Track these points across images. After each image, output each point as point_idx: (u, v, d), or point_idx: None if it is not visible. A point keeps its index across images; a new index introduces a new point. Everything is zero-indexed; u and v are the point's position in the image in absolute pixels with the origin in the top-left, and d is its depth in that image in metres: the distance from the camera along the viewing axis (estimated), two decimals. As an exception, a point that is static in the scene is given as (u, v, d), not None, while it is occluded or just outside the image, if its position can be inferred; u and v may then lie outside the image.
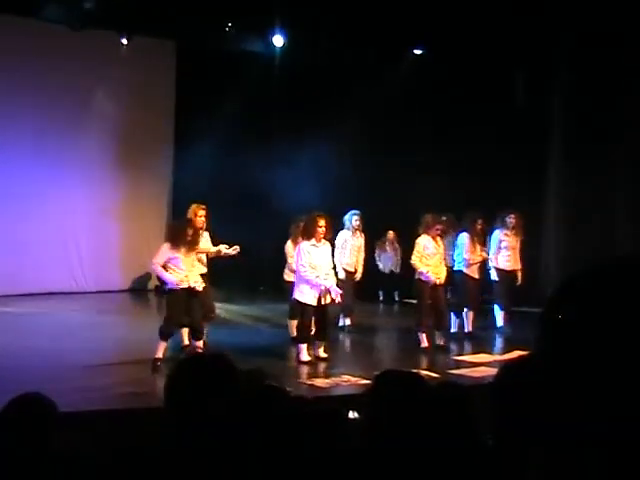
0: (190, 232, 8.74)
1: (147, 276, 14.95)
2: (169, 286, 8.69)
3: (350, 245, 11.15)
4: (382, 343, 11.23)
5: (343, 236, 11.16)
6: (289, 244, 10.53)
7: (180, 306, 8.65)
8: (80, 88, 14.27)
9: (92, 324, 11.32)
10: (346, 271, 11.16)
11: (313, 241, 9.09)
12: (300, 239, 9.49)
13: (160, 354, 8.62)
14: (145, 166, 15.16)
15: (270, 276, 13.19)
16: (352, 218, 11.17)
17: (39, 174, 13.85)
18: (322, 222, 9.09)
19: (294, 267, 10.02)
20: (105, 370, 8.63)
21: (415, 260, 9.88)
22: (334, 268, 9.55)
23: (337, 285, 9.38)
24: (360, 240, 11.31)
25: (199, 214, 9.51)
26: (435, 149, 13.79)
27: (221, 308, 12.65)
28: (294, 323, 10.32)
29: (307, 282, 9.07)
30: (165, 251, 8.71)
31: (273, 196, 14.35)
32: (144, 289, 14.86)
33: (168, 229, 9.34)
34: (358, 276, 11.36)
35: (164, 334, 8.67)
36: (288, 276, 10.47)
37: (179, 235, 8.74)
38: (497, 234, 11.16)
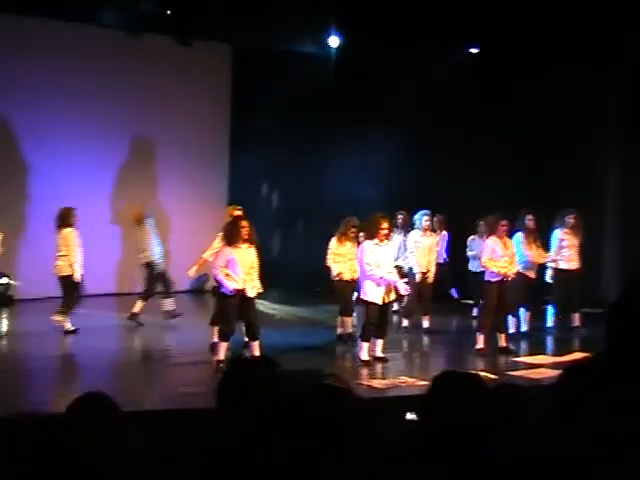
0: (244, 227, 8.80)
1: (205, 277, 15.10)
2: (223, 290, 8.79)
3: (422, 246, 11.15)
4: (441, 344, 11.15)
5: (414, 236, 11.18)
6: (333, 241, 10.52)
7: (235, 309, 8.78)
8: (134, 93, 14.46)
9: (152, 325, 11.47)
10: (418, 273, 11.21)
11: (376, 240, 9.12)
12: (347, 241, 9.53)
13: (221, 355, 8.76)
14: (201, 170, 15.29)
15: (326, 277, 13.19)
16: (422, 218, 11.19)
17: (99, 178, 14.10)
18: (385, 224, 9.17)
19: (329, 263, 10.27)
20: (166, 370, 8.76)
21: (486, 262, 9.84)
22: (401, 269, 9.55)
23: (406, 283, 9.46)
24: (430, 240, 11.30)
25: (233, 215, 9.70)
26: (492, 149, 13.63)
27: (277, 309, 12.75)
28: (342, 321, 10.38)
29: (373, 280, 9.09)
30: (224, 252, 8.82)
31: (328, 197, 14.36)
32: (202, 290, 14.99)
33: (223, 229, 9.45)
34: (430, 277, 11.33)
35: (224, 335, 8.80)
36: (332, 276, 10.47)
37: (234, 232, 8.84)
38: (557, 233, 11.07)
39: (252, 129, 14.86)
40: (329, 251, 10.50)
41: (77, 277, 10.45)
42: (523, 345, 10.39)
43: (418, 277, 11.19)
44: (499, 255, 9.82)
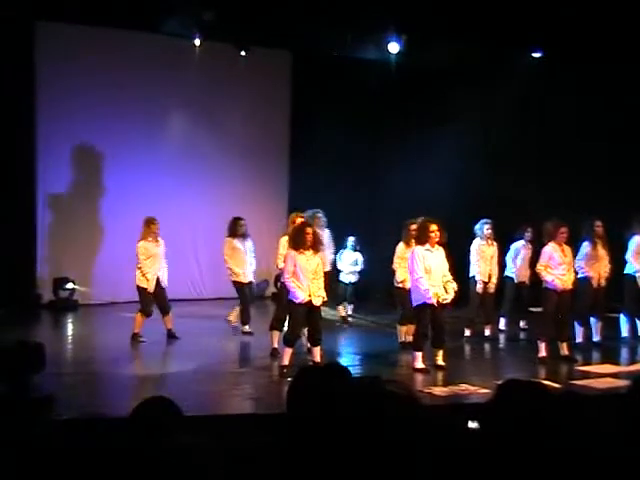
0: (309, 233, 8.85)
1: (265, 284, 15.24)
2: (290, 297, 8.86)
3: (484, 254, 11.08)
4: (502, 352, 11.03)
5: (476, 245, 11.09)
6: (401, 246, 10.51)
7: (303, 317, 8.87)
8: (197, 101, 14.67)
9: (212, 330, 11.62)
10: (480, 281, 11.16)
11: (427, 246, 9.08)
12: (413, 243, 9.57)
13: (286, 361, 8.85)
14: (261, 177, 15.41)
15: (385, 282, 13.17)
16: (483, 227, 11.10)
17: (160, 184, 14.32)
18: (433, 227, 9.11)
19: (394, 266, 10.32)
20: (227, 376, 8.84)
21: (540, 269, 9.70)
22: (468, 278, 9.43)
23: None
24: (492, 249, 11.20)
25: (297, 222, 9.81)
26: (559, 155, 13.46)
27: (335, 315, 12.77)
28: (404, 329, 10.34)
29: (419, 286, 9.05)
30: (290, 257, 8.91)
31: (386, 202, 14.34)
32: (262, 296, 15.12)
33: (289, 234, 9.54)
34: (492, 286, 11.23)
35: (289, 342, 8.91)
36: (395, 281, 10.49)
37: (300, 238, 8.90)
38: (636, 240, 10.85)
39: (312, 135, 14.89)
40: (395, 255, 10.50)
41: (150, 287, 10.66)
42: (590, 354, 10.22)
43: (480, 286, 11.11)
44: (557, 263, 9.68)
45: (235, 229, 11.25)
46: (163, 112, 14.37)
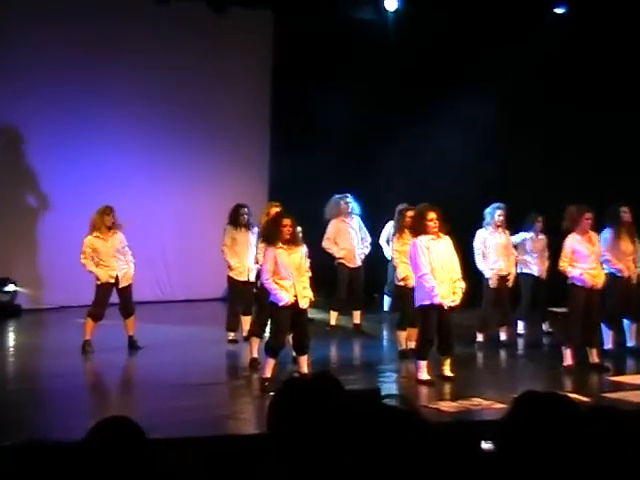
0: (286, 225, 8.86)
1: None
2: (272, 300, 8.87)
3: (493, 245, 11.02)
4: (521, 360, 11.06)
5: (480, 236, 11.06)
6: (394, 240, 10.53)
7: (287, 322, 8.87)
8: (161, 70, 14.49)
9: (183, 336, 11.61)
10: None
11: (431, 235, 9.10)
12: (407, 234, 9.75)
13: (268, 373, 8.85)
14: (238, 160, 15.31)
15: (384, 282, 13.20)
16: (495, 212, 11.05)
17: (119, 171, 14.23)
18: (432, 215, 9.13)
19: (395, 262, 10.36)
20: (200, 390, 8.83)
21: (564, 265, 9.73)
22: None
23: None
24: (504, 238, 11.15)
25: (272, 213, 9.94)
26: (584, 129, 13.47)
27: (329, 318, 12.77)
28: (403, 334, 10.36)
29: (423, 284, 9.07)
30: (269, 254, 8.89)
31: (384, 186, 14.31)
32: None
33: (262, 228, 9.60)
34: (509, 282, 11.25)
35: (271, 350, 8.89)
36: (395, 278, 10.54)
37: (274, 232, 8.92)
38: None
39: (297, 110, 14.87)
40: (393, 249, 10.53)
41: (103, 283, 10.71)
42: (623, 362, 10.25)
43: (493, 282, 11.08)
44: (584, 255, 9.68)
45: (236, 218, 11.25)
46: (120, 83, 14.22)
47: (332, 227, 12.27)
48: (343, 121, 14.45)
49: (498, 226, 11.07)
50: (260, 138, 15.74)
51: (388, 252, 11.96)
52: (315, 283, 9.31)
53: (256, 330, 9.89)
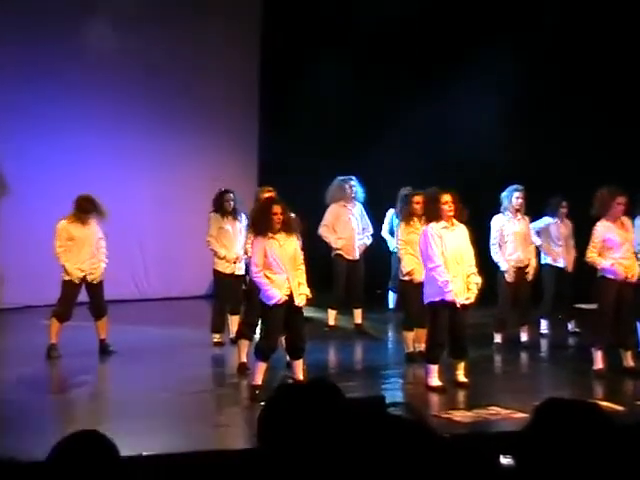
0: (276, 213, 8.87)
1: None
2: (263, 297, 8.88)
3: (512, 233, 11.01)
4: (545, 364, 11.08)
5: (497, 222, 11.06)
6: (402, 226, 10.52)
7: (281, 321, 8.87)
8: (138, 45, 14.45)
9: (162, 339, 11.64)
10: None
11: (443, 223, 9.09)
12: (415, 221, 9.82)
13: (259, 379, 8.86)
14: (222, 142, 15.35)
15: (388, 276, 13.21)
16: (512, 195, 11.05)
17: (91, 159, 14.21)
18: (446, 197, 9.12)
19: (400, 254, 10.38)
20: (182, 399, 8.84)
21: (592, 256, 9.73)
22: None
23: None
24: (523, 225, 11.13)
25: (263, 199, 9.96)
26: (622, 99, 13.46)
27: (326, 317, 12.79)
28: (410, 335, 10.38)
29: (435, 278, 9.07)
30: (258, 246, 8.88)
31: (386, 170, 14.28)
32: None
33: (250, 216, 9.62)
34: (530, 276, 11.24)
35: (263, 354, 8.89)
36: (400, 272, 10.56)
37: (264, 220, 8.92)
38: None
39: (288, 87, 14.88)
40: (398, 238, 10.52)
41: (73, 280, 10.70)
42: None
43: (510, 275, 11.07)
44: (616, 243, 9.67)
45: (222, 205, 11.27)
46: (90, 58, 14.15)
47: (331, 213, 12.27)
48: (341, 95, 14.44)
49: (517, 210, 11.07)
50: (247, 116, 15.77)
51: (392, 243, 11.97)
52: (311, 278, 9.29)
53: (245, 331, 9.89)
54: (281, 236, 8.89)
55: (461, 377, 9.28)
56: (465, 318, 9.25)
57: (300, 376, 8.81)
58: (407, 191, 10.86)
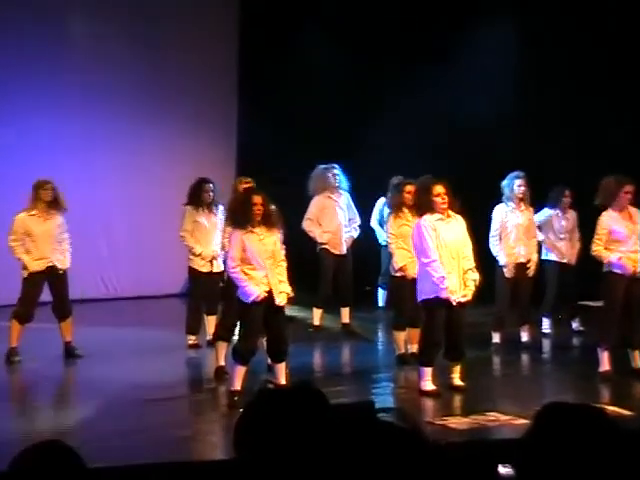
0: (256, 204, 8.86)
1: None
2: (240, 295, 8.87)
3: (514, 225, 11.01)
4: (547, 365, 11.11)
5: (499, 212, 11.06)
6: (390, 218, 10.54)
7: (259, 321, 8.87)
8: (111, 26, 14.58)
9: (133, 341, 11.63)
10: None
11: (437, 215, 9.11)
12: (406, 212, 9.83)
13: (238, 384, 8.85)
14: (197, 128, 15.35)
15: (378, 272, 13.22)
16: (513, 183, 11.05)
17: (56, 144, 14.22)
18: (439, 189, 9.14)
19: (391, 248, 10.39)
20: (155, 406, 8.84)
21: (598, 249, 9.75)
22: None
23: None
24: (525, 216, 11.13)
25: (241, 190, 10.06)
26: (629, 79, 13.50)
27: (311, 317, 12.81)
28: (402, 336, 10.41)
29: (429, 273, 9.07)
30: (236, 239, 8.88)
31: (372, 159, 14.28)
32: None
33: (228, 208, 9.63)
34: (531, 270, 11.25)
35: (242, 357, 8.88)
36: (391, 268, 10.57)
37: (243, 212, 8.91)
38: None
39: (269, 71, 14.87)
40: (388, 231, 10.53)
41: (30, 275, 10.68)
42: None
43: (509, 271, 11.09)
44: (623, 236, 9.70)
45: (199, 196, 11.23)
46: (59, 42, 14.22)
47: (315, 204, 12.26)
48: (327, 75, 14.43)
49: (521, 199, 11.06)
50: (225, 100, 15.81)
51: (382, 236, 11.97)
52: (294, 274, 9.30)
53: (223, 333, 9.90)
54: (261, 230, 8.88)
55: (457, 381, 9.30)
56: (462, 317, 9.26)
57: (282, 381, 8.81)
58: (398, 180, 10.87)
